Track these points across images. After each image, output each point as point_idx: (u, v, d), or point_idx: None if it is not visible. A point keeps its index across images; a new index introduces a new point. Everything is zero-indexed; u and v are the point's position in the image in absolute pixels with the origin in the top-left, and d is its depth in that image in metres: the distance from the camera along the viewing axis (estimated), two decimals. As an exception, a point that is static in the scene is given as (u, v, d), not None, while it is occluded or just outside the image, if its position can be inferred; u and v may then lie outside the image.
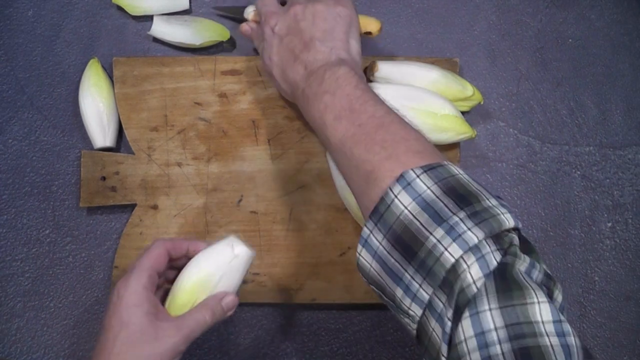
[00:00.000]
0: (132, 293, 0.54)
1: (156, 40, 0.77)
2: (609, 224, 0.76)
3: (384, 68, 0.71)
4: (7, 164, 0.75)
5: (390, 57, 0.75)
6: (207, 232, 0.73)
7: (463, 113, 0.72)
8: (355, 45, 0.63)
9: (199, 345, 0.74)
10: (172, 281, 0.60)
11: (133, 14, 0.76)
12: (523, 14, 0.79)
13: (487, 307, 0.42)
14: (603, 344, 0.75)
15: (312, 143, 0.74)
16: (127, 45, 0.77)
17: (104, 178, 0.73)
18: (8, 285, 0.74)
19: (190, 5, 0.77)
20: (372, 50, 0.77)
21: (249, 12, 0.71)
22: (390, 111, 0.55)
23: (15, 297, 0.74)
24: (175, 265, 0.61)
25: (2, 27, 0.77)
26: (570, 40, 0.79)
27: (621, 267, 0.76)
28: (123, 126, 0.74)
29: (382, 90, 0.69)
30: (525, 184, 0.77)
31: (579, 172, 0.77)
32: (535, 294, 0.43)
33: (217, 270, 0.58)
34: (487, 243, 0.45)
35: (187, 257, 0.60)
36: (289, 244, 0.73)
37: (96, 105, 0.73)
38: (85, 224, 0.75)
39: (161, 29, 0.75)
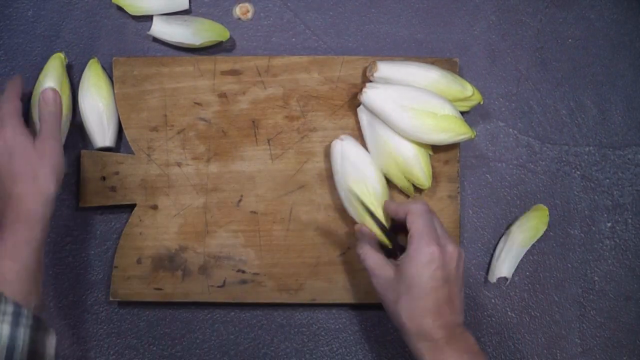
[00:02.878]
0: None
1: (156, 40, 0.77)
2: (609, 224, 0.76)
3: (384, 68, 0.71)
4: (7, 164, 0.75)
5: (390, 57, 0.75)
6: (207, 232, 0.73)
7: (463, 113, 0.72)
8: None
9: (199, 345, 0.74)
10: None
11: (133, 14, 0.76)
12: (523, 14, 0.79)
13: None
14: (603, 344, 0.75)
15: (312, 143, 0.74)
16: (127, 45, 0.77)
17: (103, 178, 0.73)
18: (8, 285, 0.74)
19: (190, 5, 0.77)
20: (372, 51, 0.77)
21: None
22: None
23: (15, 297, 0.74)
24: None
25: (2, 27, 0.77)
26: (570, 40, 0.79)
27: (621, 267, 0.76)
28: (123, 126, 0.74)
29: (382, 90, 0.69)
30: (525, 184, 0.77)
31: (578, 172, 0.77)
32: None
33: None
34: None
35: None
36: (289, 244, 0.73)
37: (96, 105, 0.73)
38: (85, 224, 0.75)
39: (161, 29, 0.75)
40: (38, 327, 0.56)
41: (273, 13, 0.78)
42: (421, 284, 0.60)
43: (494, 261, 0.74)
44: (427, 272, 0.60)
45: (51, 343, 0.57)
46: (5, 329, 0.54)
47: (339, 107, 0.74)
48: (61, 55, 0.74)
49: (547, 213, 0.75)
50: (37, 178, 0.63)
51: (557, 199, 0.76)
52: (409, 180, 0.71)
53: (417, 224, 0.62)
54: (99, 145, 0.73)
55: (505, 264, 0.73)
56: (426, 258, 0.60)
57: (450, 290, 0.61)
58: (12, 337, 0.54)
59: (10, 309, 0.55)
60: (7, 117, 0.65)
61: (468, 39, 0.78)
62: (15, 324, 0.55)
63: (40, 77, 0.73)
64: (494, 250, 0.75)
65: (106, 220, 0.75)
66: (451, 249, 0.62)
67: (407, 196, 0.73)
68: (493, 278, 0.73)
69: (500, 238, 0.75)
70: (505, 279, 0.74)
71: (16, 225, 0.61)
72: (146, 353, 0.74)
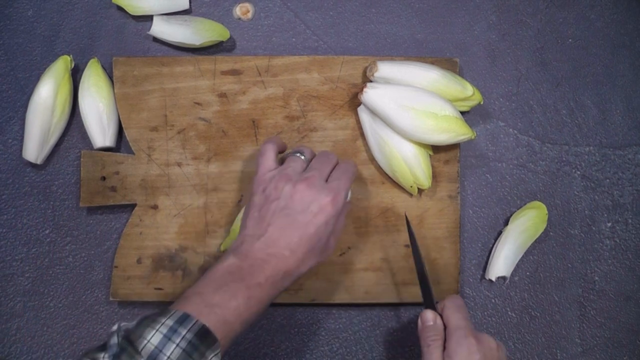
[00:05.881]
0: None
1: (156, 40, 0.77)
2: (609, 224, 0.76)
3: (384, 68, 0.71)
4: (7, 164, 0.75)
5: (390, 57, 0.75)
6: (207, 232, 0.73)
7: (463, 113, 0.72)
8: None
9: (199, 345, 0.74)
10: None
11: (133, 14, 0.76)
12: (523, 14, 0.79)
13: None
14: (603, 344, 0.75)
15: (312, 143, 0.74)
16: (127, 45, 0.77)
17: (104, 178, 0.73)
18: (8, 285, 0.74)
19: (190, 5, 0.77)
20: (372, 50, 0.77)
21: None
22: None
23: (15, 297, 0.74)
24: None
25: (2, 27, 0.77)
26: (570, 40, 0.79)
27: (621, 267, 0.76)
28: (123, 126, 0.74)
29: (382, 90, 0.69)
30: (525, 184, 0.77)
31: (579, 172, 0.77)
32: None
33: None
34: None
35: None
36: (289, 244, 0.73)
37: (96, 105, 0.73)
38: (85, 224, 0.75)
39: (161, 28, 0.75)
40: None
41: (273, 13, 0.78)
42: None
43: (491, 259, 0.74)
44: None
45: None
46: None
47: (339, 107, 0.74)
48: (67, 57, 0.74)
49: (546, 211, 0.75)
50: (323, 252, 0.64)
51: (557, 198, 0.76)
52: (412, 179, 0.71)
53: (454, 319, 0.64)
54: (99, 145, 0.73)
55: (503, 263, 0.73)
56: (467, 350, 0.61)
57: None
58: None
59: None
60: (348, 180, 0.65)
61: (468, 39, 0.78)
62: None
63: (42, 76, 0.73)
64: (492, 248, 0.75)
65: (106, 220, 0.75)
66: (487, 338, 0.63)
67: (410, 195, 0.73)
68: (491, 276, 0.73)
69: (499, 236, 0.75)
70: (505, 278, 0.74)
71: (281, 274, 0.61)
72: (146, 353, 0.74)
